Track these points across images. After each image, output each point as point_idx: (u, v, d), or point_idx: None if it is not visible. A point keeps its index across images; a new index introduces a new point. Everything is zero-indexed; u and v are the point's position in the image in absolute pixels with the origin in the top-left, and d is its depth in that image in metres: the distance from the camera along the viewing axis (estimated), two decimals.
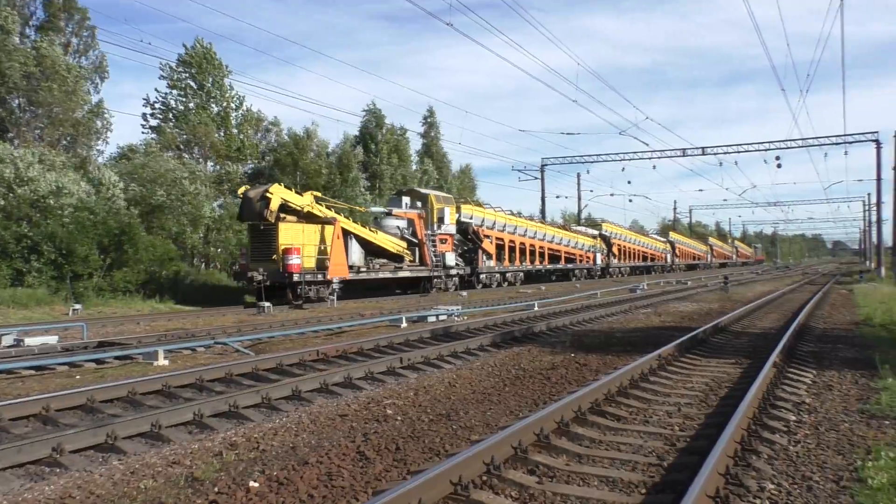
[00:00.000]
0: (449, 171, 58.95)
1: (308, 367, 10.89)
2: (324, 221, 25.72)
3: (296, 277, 23.64)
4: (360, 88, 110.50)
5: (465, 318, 18.29)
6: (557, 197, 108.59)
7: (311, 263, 24.79)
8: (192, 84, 41.18)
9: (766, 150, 50.80)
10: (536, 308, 20.86)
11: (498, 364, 10.90)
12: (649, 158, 53.96)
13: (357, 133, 49.82)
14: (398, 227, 30.84)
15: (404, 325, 16.47)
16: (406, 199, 32.58)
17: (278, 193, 24.08)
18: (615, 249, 57.13)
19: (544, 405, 7.93)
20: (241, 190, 24.69)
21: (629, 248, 62.00)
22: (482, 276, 36.28)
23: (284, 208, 24.33)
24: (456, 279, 33.45)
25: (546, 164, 58.17)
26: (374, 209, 32.73)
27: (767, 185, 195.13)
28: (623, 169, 58.85)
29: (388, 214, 31.01)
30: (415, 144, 56.19)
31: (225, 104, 42.35)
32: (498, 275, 37.98)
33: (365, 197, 42.07)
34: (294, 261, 23.68)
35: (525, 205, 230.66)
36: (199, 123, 39.34)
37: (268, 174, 42.74)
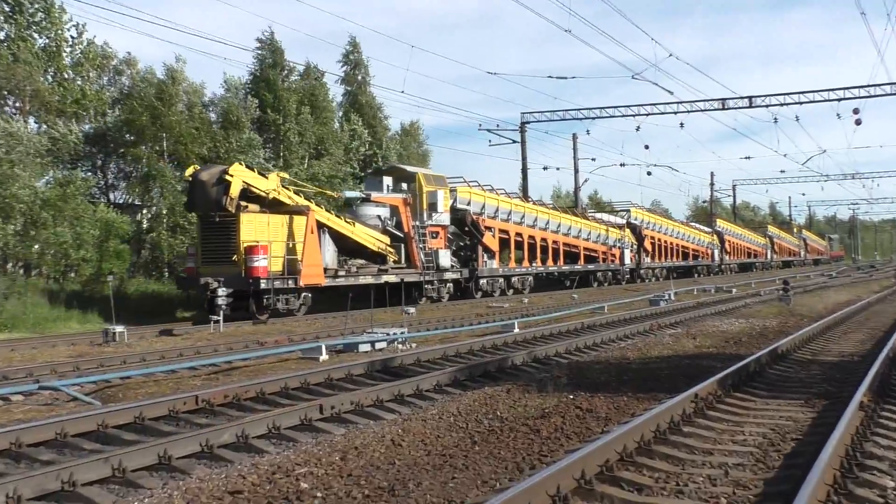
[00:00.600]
0: (385, 130, 58.66)
1: (183, 422, 10.72)
2: (293, 211, 28.12)
3: (263, 284, 26.05)
4: (254, 11, 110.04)
5: (415, 345, 18.46)
6: (545, 168, 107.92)
7: (278, 266, 27.36)
8: (4, 4, 40.34)
9: (838, 99, 51.84)
10: (517, 329, 21.04)
11: (463, 412, 10.86)
12: (674, 113, 54.75)
13: (248, 77, 49.17)
14: (379, 217, 33.30)
15: (324, 356, 16.59)
16: (387, 180, 34.89)
17: (240, 175, 26.34)
18: (647, 244, 59.22)
19: (532, 471, 7.89)
20: (189, 172, 27.13)
21: (666, 241, 64.06)
22: (482, 282, 38.53)
23: (246, 194, 26.73)
24: (450, 285, 36.26)
25: (528, 122, 58.58)
26: (350, 193, 35.12)
27: (842, 149, 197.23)
28: (638, 128, 58.32)
29: (366, 200, 33.29)
30: (335, 95, 55.78)
31: (55, 34, 41.56)
32: (502, 279, 40.29)
33: (266, 170, 41.53)
34: (260, 262, 26.10)
35: (498, 179, 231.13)
36: (14, 62, 38.54)
37: (115, 138, 42.08)
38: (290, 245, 27.71)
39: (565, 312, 27.74)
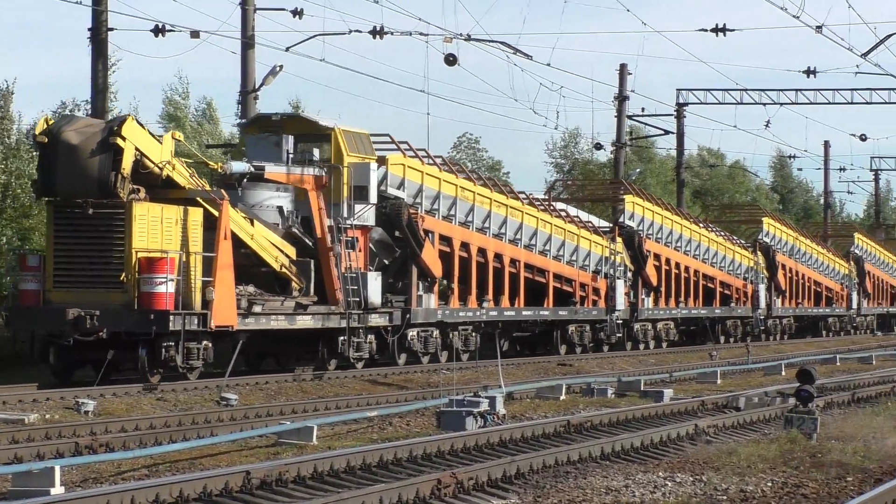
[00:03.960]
0: None
1: None
2: (189, 201, 22.07)
3: (171, 323, 20.50)
4: None
5: None
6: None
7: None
8: None
9: None
10: None
11: None
12: None
13: None
14: (280, 210, 24.54)
15: None
16: (287, 141, 24.71)
17: (134, 139, 20.76)
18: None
19: None
20: (41, 127, 21.20)
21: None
22: (411, 335, 27.53)
23: (135, 173, 21.16)
24: (372, 338, 26.46)
25: None
26: (236, 165, 24.67)
27: None
28: None
29: (257, 178, 23.99)
30: None
31: None
32: (436, 331, 28.29)
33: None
34: (166, 287, 20.64)
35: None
36: None
37: None
38: (185, 256, 21.34)
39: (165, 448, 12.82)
